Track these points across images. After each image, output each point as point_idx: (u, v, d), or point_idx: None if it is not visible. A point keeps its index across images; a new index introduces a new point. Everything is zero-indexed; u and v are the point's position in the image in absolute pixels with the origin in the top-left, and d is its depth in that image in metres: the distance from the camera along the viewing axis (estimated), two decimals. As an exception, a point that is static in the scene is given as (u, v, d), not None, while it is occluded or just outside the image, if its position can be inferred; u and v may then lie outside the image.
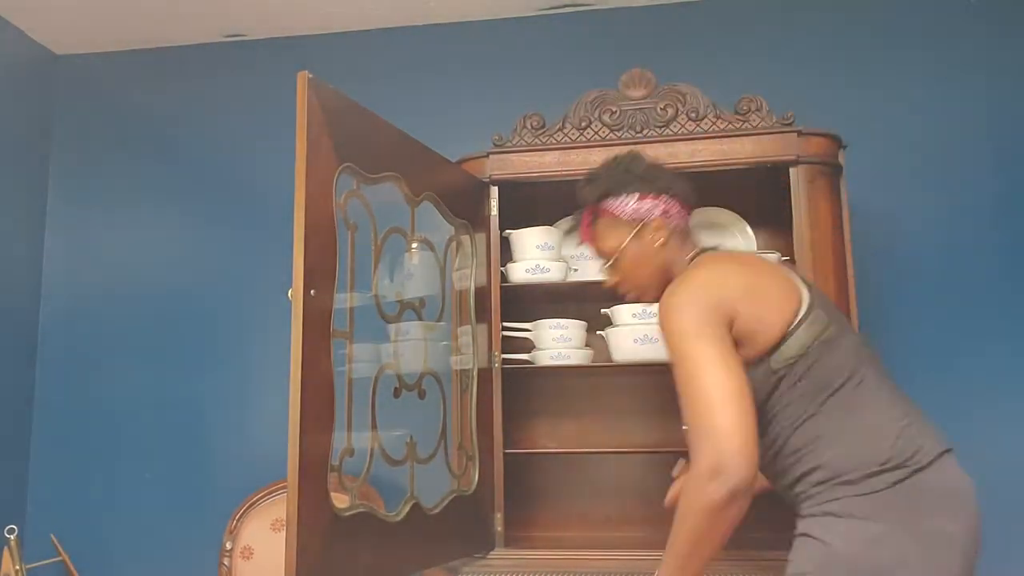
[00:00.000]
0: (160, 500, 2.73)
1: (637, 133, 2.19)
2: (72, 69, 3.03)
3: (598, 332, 2.26)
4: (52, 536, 2.66)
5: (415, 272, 2.03)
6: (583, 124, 2.21)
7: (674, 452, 2.31)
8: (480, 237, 2.18)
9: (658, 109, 2.20)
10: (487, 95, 2.77)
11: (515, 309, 2.31)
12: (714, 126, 2.15)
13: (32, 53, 2.94)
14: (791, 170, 2.09)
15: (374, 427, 1.77)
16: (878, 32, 2.63)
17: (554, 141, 2.22)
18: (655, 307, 2.15)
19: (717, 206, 2.39)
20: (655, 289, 1.59)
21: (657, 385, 2.43)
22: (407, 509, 1.81)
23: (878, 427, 1.37)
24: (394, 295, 1.91)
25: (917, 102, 2.57)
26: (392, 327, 1.92)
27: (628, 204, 1.60)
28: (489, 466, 2.09)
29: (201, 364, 2.79)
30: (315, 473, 1.54)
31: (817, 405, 1.39)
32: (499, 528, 2.08)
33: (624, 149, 2.13)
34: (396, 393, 1.86)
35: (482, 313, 2.15)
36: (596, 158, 2.16)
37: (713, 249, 1.63)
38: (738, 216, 2.39)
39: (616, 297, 1.74)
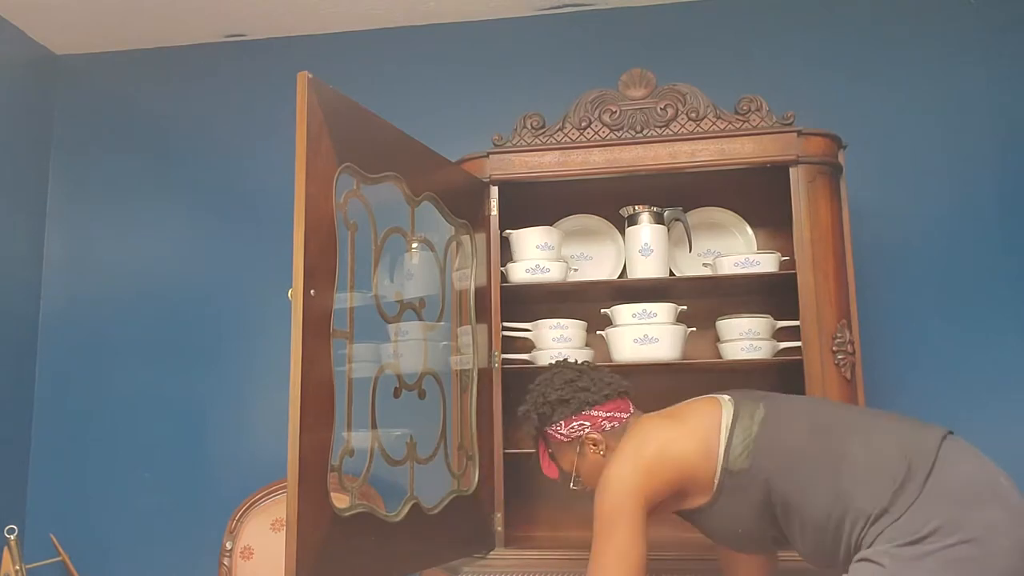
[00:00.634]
0: (160, 500, 2.73)
1: (637, 133, 2.19)
2: (72, 69, 3.03)
3: (598, 332, 2.26)
4: (52, 536, 2.66)
5: (415, 272, 2.03)
6: (583, 124, 2.21)
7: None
8: (480, 237, 2.18)
9: (658, 109, 2.20)
10: (487, 95, 2.77)
11: (515, 309, 2.31)
12: (714, 126, 2.15)
13: (32, 53, 2.94)
14: (791, 170, 2.09)
15: (374, 427, 1.77)
16: (878, 32, 2.63)
17: (554, 141, 2.22)
18: (655, 307, 2.18)
19: (717, 206, 2.40)
20: None
21: (657, 385, 2.43)
22: (407, 509, 1.81)
23: (877, 452, 1.43)
24: (394, 295, 1.91)
25: (917, 102, 2.57)
26: (392, 327, 1.92)
27: (560, 430, 1.71)
28: (489, 466, 2.09)
29: (201, 364, 2.79)
30: (315, 473, 1.54)
31: (807, 473, 1.46)
32: (499, 528, 2.08)
33: (628, 155, 2.15)
34: (396, 393, 1.86)
35: (482, 313, 2.15)
36: (596, 158, 2.18)
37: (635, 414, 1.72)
38: (738, 216, 2.40)
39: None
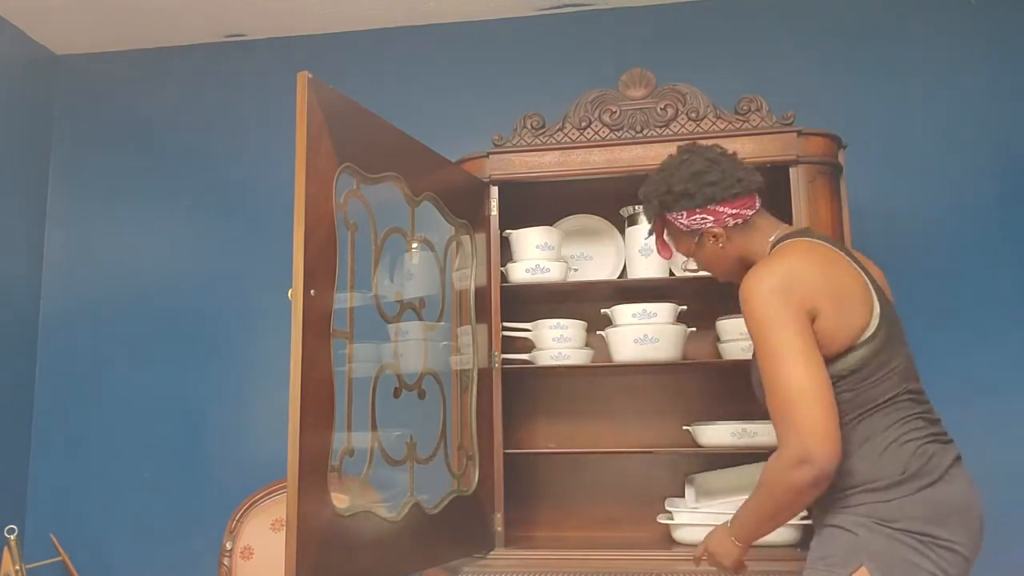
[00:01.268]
0: (160, 500, 2.73)
1: (637, 133, 2.19)
2: (72, 69, 3.04)
3: (598, 332, 2.26)
4: (52, 536, 2.66)
5: (415, 272, 2.03)
6: (583, 124, 2.21)
7: (674, 452, 2.32)
8: (480, 237, 2.18)
9: (658, 109, 2.20)
10: (487, 95, 2.77)
11: (515, 309, 2.31)
12: (714, 126, 2.15)
13: (32, 53, 2.94)
14: (791, 170, 2.09)
15: (374, 427, 1.77)
16: (878, 32, 2.63)
17: (554, 141, 2.22)
18: (655, 307, 2.18)
19: (717, 206, 2.39)
20: (737, 276, 1.63)
21: (657, 385, 2.43)
22: (407, 509, 1.81)
23: (902, 442, 1.45)
24: (394, 295, 1.91)
25: (917, 102, 2.57)
26: (392, 327, 1.92)
27: (680, 220, 1.64)
28: (489, 466, 2.09)
29: (201, 364, 2.79)
30: (315, 473, 1.54)
31: (854, 418, 1.46)
32: (499, 528, 2.08)
33: (628, 155, 2.15)
34: (396, 393, 1.86)
35: (482, 313, 2.15)
36: (596, 158, 2.18)
37: (804, 232, 1.62)
38: (738, 216, 2.39)
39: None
